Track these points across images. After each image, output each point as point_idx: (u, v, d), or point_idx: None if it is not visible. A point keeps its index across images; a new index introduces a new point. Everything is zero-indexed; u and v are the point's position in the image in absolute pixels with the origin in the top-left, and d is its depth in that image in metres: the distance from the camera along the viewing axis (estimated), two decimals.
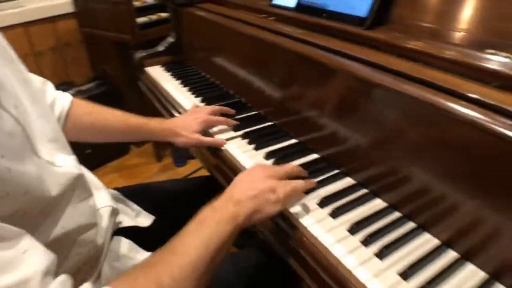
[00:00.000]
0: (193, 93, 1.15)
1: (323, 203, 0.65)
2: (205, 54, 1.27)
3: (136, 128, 0.85)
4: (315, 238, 0.59)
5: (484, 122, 0.48)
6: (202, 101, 1.09)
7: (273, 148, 0.83)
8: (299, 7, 0.89)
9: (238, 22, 1.02)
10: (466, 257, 0.55)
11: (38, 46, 1.98)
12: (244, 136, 0.89)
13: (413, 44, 0.63)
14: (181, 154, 2.17)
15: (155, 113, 1.10)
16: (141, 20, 1.88)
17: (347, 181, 0.72)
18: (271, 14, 0.98)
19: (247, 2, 1.09)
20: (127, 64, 1.91)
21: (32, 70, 0.64)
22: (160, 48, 1.47)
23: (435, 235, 0.58)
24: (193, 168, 2.13)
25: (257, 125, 0.94)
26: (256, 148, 0.84)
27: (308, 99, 0.81)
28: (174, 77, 1.28)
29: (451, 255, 0.56)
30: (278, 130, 0.91)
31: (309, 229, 0.60)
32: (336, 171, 0.75)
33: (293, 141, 0.87)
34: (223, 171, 0.84)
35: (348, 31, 0.75)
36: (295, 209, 0.64)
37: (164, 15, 1.99)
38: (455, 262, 0.54)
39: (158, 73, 1.34)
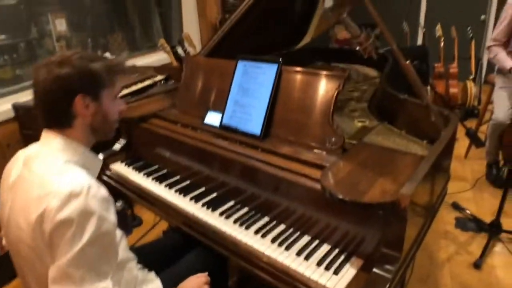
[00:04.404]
0: (156, 181, 1.73)
1: (263, 234, 1.32)
2: (157, 153, 1.85)
3: None
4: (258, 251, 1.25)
5: (310, 184, 1.22)
6: (165, 186, 1.68)
7: (225, 208, 1.48)
8: (222, 127, 1.59)
9: (183, 136, 1.67)
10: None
11: None
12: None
13: (281, 149, 1.38)
14: (124, 226, 2.62)
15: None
16: None
17: (265, 219, 1.41)
18: (203, 130, 1.66)
19: (187, 121, 1.75)
20: None
21: None
22: (116, 148, 2.01)
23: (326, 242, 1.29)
24: (140, 234, 2.61)
25: (208, 195, 1.58)
26: (213, 210, 1.48)
27: (231, 179, 1.51)
28: (136, 171, 1.84)
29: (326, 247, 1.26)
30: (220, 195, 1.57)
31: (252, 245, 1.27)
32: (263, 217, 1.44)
33: (232, 202, 1.53)
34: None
35: (249, 142, 1.48)
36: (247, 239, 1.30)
37: None
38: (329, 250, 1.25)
39: (123, 169, 1.88)
